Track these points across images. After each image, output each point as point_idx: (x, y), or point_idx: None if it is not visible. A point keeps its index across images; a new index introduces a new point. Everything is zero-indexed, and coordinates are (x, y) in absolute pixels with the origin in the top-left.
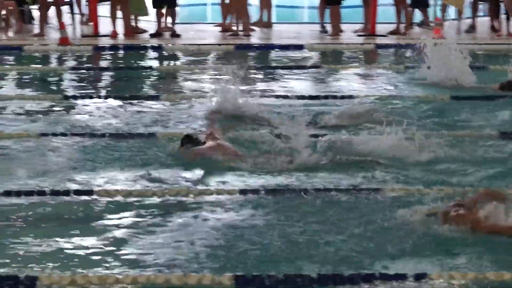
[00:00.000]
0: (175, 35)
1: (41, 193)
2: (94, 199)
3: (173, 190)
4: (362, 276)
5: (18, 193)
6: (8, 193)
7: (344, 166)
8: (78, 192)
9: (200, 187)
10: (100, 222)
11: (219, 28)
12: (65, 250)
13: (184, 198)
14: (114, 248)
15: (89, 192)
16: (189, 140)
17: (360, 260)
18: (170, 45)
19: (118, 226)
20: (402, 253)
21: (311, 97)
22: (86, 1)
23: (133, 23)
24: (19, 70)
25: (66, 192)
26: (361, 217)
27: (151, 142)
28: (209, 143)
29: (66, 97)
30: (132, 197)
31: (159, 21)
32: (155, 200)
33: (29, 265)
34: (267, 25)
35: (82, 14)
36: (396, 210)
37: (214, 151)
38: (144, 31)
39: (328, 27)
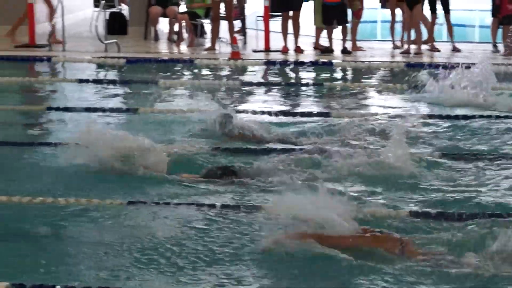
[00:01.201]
0: (346, 51)
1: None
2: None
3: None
4: None
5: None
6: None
7: None
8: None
9: None
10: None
11: (391, 45)
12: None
13: None
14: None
15: (256, 208)
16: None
17: None
18: (340, 61)
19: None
20: None
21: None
22: (258, 17)
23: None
24: (191, 83)
25: (237, 207)
26: None
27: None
28: None
29: (237, 111)
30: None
31: (330, 38)
32: None
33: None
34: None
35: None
36: None
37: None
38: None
39: (500, 47)
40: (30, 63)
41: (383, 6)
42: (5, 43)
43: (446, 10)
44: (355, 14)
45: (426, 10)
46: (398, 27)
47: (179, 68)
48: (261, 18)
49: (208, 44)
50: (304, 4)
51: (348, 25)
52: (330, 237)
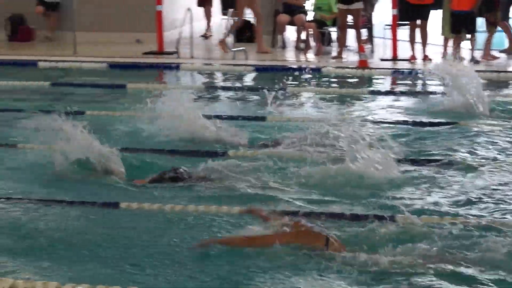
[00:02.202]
0: (474, 61)
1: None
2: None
3: None
4: None
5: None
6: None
7: None
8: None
9: None
10: None
11: None
12: None
13: None
14: None
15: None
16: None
17: None
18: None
19: None
20: None
21: None
22: (386, 25)
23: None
24: (318, 92)
25: (365, 217)
26: None
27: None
28: None
29: (365, 120)
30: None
31: (458, 47)
32: None
33: None
34: None
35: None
36: None
37: None
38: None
39: None
40: (159, 70)
41: None
42: (134, 50)
43: None
44: (492, 23)
45: None
46: None
47: (306, 76)
48: (389, 27)
49: (335, 52)
50: (433, 12)
51: (480, 35)
52: (255, 238)
